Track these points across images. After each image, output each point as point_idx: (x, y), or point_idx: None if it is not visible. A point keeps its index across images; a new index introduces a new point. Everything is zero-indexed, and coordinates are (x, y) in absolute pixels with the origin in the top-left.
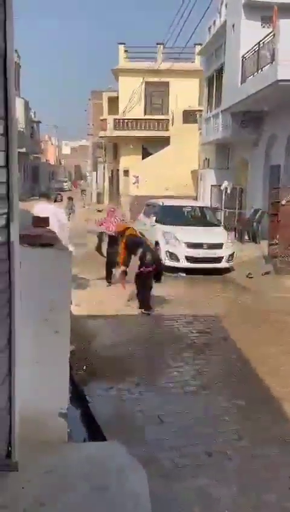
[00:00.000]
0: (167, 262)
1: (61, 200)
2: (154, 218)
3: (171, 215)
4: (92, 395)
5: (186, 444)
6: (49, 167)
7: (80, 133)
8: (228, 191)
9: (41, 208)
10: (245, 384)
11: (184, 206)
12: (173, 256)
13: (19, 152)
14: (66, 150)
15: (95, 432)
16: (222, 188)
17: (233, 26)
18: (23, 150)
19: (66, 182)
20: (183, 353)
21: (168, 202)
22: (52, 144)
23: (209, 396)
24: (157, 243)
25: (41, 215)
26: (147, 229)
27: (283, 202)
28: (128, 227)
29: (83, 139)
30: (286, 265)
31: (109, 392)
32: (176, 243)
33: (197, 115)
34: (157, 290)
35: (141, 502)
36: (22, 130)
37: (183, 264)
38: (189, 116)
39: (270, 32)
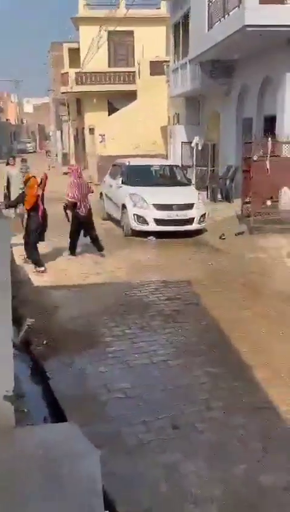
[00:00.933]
0: (135, 225)
1: (14, 164)
2: (121, 179)
3: (139, 176)
4: (53, 371)
5: (153, 418)
6: (10, 127)
7: (43, 89)
8: (199, 148)
9: None
10: (216, 351)
11: (152, 166)
12: (141, 219)
13: None
14: (28, 108)
15: (55, 410)
16: (193, 144)
17: None
18: None
19: (29, 142)
20: (152, 322)
21: (135, 162)
22: (12, 102)
23: (178, 366)
24: (124, 206)
25: None
26: (114, 191)
27: (255, 158)
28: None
29: (46, 96)
30: (260, 225)
31: (71, 367)
32: (143, 205)
33: (165, 66)
34: (126, 255)
35: (94, 490)
36: None
37: (153, 227)
38: (157, 67)
39: None
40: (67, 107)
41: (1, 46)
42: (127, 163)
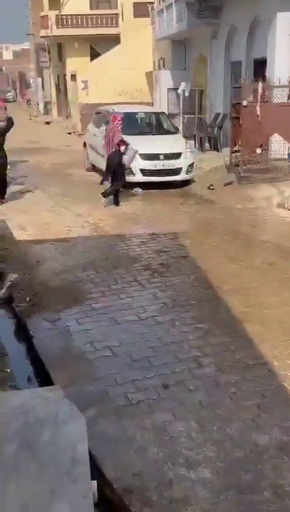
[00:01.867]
0: None
1: None
2: (105, 128)
3: (123, 124)
4: (37, 329)
5: (141, 376)
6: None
7: (22, 34)
8: (186, 94)
9: None
10: (206, 306)
11: (137, 113)
12: (127, 169)
13: None
14: (7, 55)
15: (40, 370)
16: (179, 91)
17: None
18: None
19: (9, 91)
20: (139, 276)
21: (120, 109)
22: None
23: (166, 322)
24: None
25: None
26: (98, 141)
27: (245, 103)
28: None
29: (26, 41)
30: (250, 174)
31: (56, 325)
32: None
33: (150, 8)
34: (111, 208)
35: (78, 457)
36: None
37: (139, 177)
38: (140, 9)
39: None
40: (48, 52)
41: None
42: (111, 111)
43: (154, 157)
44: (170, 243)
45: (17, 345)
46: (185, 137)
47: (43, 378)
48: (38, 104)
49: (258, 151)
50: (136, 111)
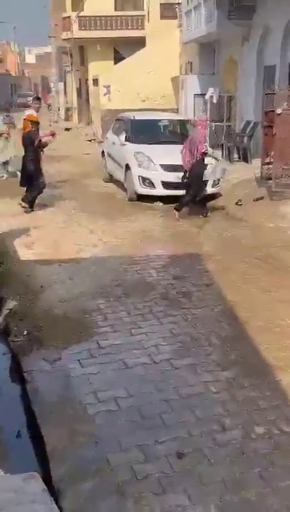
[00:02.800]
0: (140, 189)
1: None
2: (125, 135)
3: (145, 132)
4: (32, 371)
5: (151, 440)
6: (10, 79)
7: (45, 36)
8: (214, 101)
9: None
10: (231, 347)
11: (160, 120)
12: (146, 181)
13: None
14: (30, 59)
15: (32, 423)
16: (207, 97)
17: None
18: None
19: (30, 96)
20: (155, 307)
21: (141, 116)
22: (12, 50)
23: (184, 367)
24: (128, 166)
25: None
26: (117, 150)
27: (279, 111)
28: None
29: (49, 44)
30: (283, 189)
31: (55, 365)
32: (150, 166)
33: (177, 9)
34: (128, 224)
35: None
36: None
37: (160, 191)
38: (168, 10)
39: None
40: (70, 56)
41: None
42: (132, 118)
43: (177, 168)
44: (192, 267)
45: (9, 389)
46: (212, 147)
47: (35, 436)
48: (58, 110)
49: None
50: (158, 118)
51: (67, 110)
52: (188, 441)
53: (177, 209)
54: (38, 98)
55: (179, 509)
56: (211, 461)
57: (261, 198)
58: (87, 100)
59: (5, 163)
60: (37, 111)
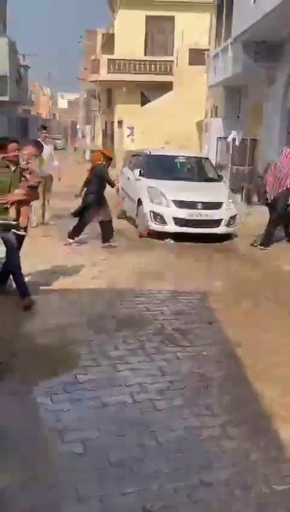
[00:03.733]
0: (151, 225)
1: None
2: (139, 170)
3: (160, 167)
4: None
5: (115, 491)
6: (40, 121)
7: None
8: (237, 143)
9: None
10: (227, 392)
11: (176, 156)
12: (158, 217)
13: (1, 101)
14: (63, 104)
15: None
16: (229, 139)
17: None
18: (6, 98)
19: (59, 139)
20: (147, 343)
21: (157, 151)
22: (44, 95)
23: (169, 409)
24: (140, 201)
25: None
26: (131, 185)
27: None
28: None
29: (80, 89)
30: None
31: (24, 401)
32: (162, 201)
33: (206, 55)
34: (134, 259)
35: None
36: (5, 74)
37: (172, 227)
38: (196, 57)
39: None
40: (98, 99)
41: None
42: (148, 152)
43: (190, 205)
44: (195, 304)
45: None
46: (233, 190)
47: None
48: (84, 152)
49: None
50: (176, 154)
51: (92, 152)
52: (159, 495)
53: (264, 245)
54: (44, 127)
55: None
56: None
57: (279, 240)
58: (112, 142)
59: None
60: (44, 140)
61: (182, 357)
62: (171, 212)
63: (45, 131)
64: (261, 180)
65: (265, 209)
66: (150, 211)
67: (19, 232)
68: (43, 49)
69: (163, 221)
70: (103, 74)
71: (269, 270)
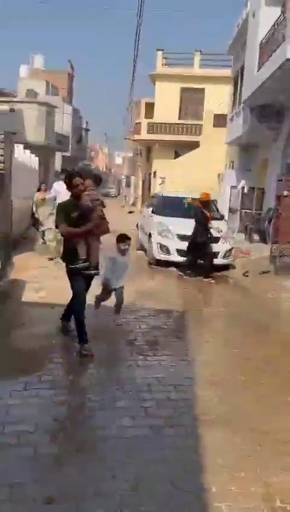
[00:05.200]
0: (158, 255)
1: (46, 189)
2: (152, 208)
3: (170, 207)
4: None
5: (28, 479)
6: (95, 171)
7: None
8: (245, 191)
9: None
10: (173, 402)
11: (184, 198)
12: (164, 248)
13: (63, 156)
14: (118, 160)
15: None
16: (239, 187)
17: (253, 14)
18: (68, 154)
19: (112, 188)
20: (117, 352)
21: (169, 193)
22: (102, 152)
23: (113, 409)
24: (150, 235)
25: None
26: (145, 221)
27: (285, 193)
28: None
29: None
30: (286, 265)
31: None
32: (168, 235)
33: (228, 119)
34: (137, 282)
35: None
36: (68, 135)
37: (175, 257)
38: (220, 120)
39: (283, 12)
40: (140, 155)
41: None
42: (161, 194)
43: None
44: (174, 321)
45: None
46: (242, 231)
47: None
48: (125, 198)
49: None
50: (182, 196)
51: (136, 198)
52: (61, 487)
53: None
54: (67, 172)
55: None
56: None
57: (268, 271)
58: (149, 190)
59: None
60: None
61: (141, 365)
62: (175, 244)
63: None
64: (262, 222)
65: (264, 245)
66: (157, 243)
67: (90, 272)
68: (102, 113)
69: (168, 252)
70: (143, 134)
71: (253, 295)
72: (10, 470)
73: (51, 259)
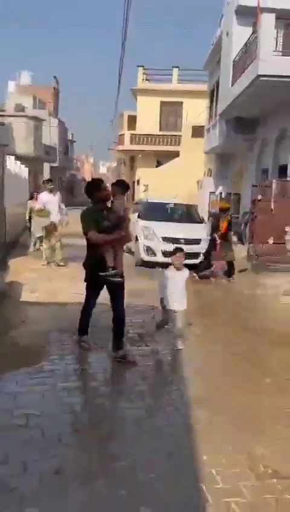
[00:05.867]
0: (145, 256)
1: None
2: (138, 214)
3: (154, 212)
4: None
5: (37, 457)
6: (85, 183)
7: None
8: (223, 196)
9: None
10: (156, 380)
11: (167, 203)
12: (150, 250)
13: (51, 166)
14: (103, 170)
15: None
16: (217, 193)
17: (227, 33)
18: (56, 164)
19: None
20: (108, 342)
21: (153, 199)
22: (87, 162)
23: (110, 393)
24: (137, 238)
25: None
26: (132, 226)
27: (259, 197)
28: None
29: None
30: (265, 263)
31: None
32: (153, 238)
33: (205, 130)
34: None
35: None
36: (55, 146)
37: (160, 258)
38: (197, 131)
39: (254, 31)
40: (124, 164)
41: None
42: (146, 200)
43: (175, 240)
44: (147, 313)
45: None
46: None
47: None
48: None
49: (270, 241)
50: (167, 201)
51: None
52: (69, 456)
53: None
54: (49, 180)
55: None
56: (82, 482)
57: (245, 270)
58: (133, 197)
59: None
60: (50, 191)
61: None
62: (160, 246)
63: (51, 184)
64: (239, 225)
65: (242, 246)
66: (144, 245)
67: (119, 280)
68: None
69: (154, 253)
70: (127, 145)
71: (232, 292)
72: (21, 448)
73: (44, 264)
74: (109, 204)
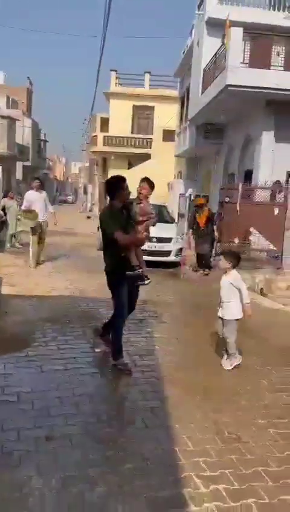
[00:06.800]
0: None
1: (12, 197)
2: None
3: None
4: None
5: (30, 425)
6: (56, 182)
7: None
8: (192, 198)
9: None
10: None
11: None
12: None
13: (24, 165)
14: (75, 170)
15: None
16: (186, 195)
17: (197, 43)
18: (29, 163)
19: (70, 196)
20: (88, 330)
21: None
22: (60, 162)
23: (89, 375)
24: None
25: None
26: None
27: (226, 199)
28: None
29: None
30: None
31: None
32: None
33: (176, 135)
34: (102, 277)
35: None
36: (28, 146)
37: None
38: (168, 135)
39: (223, 43)
40: (97, 165)
41: (55, 119)
42: None
43: (151, 239)
44: (137, 308)
45: None
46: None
47: None
48: (83, 205)
49: (236, 241)
50: None
51: (92, 204)
52: (60, 428)
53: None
54: (36, 178)
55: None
56: (72, 444)
57: (212, 267)
58: (105, 197)
59: (13, 235)
60: (37, 189)
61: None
62: None
63: (38, 182)
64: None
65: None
66: None
67: (143, 283)
68: (59, 126)
69: None
70: (100, 146)
71: (198, 287)
72: (15, 419)
73: (38, 263)
74: (135, 204)
